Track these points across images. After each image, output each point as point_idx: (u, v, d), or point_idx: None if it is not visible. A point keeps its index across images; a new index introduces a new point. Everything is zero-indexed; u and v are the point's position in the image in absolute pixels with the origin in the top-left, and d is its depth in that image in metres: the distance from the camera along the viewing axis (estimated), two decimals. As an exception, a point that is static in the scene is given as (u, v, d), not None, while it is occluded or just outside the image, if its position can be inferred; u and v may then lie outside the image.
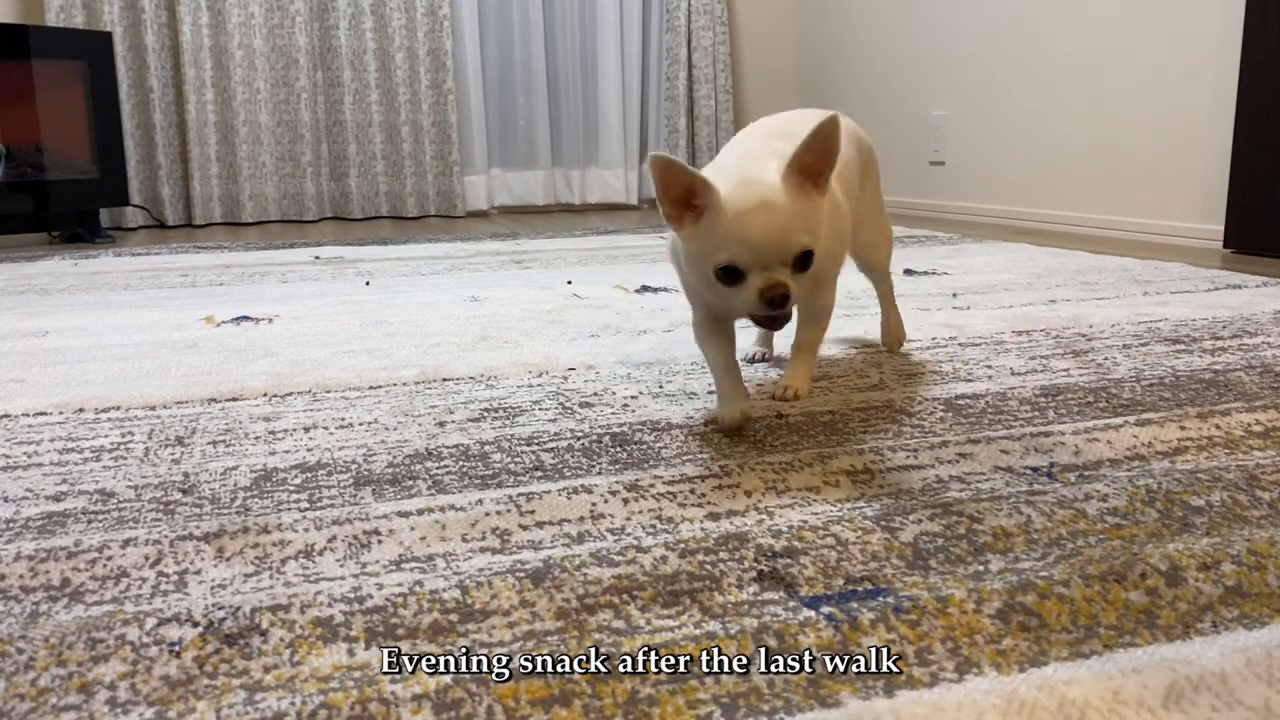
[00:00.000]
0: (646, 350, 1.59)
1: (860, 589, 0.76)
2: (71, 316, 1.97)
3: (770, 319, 1.06)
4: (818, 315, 1.27)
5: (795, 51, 4.79)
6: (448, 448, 1.12)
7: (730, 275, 1.03)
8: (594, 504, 0.94)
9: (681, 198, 1.02)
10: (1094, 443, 1.10)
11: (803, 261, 1.03)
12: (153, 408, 1.30)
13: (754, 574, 0.79)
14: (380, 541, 0.86)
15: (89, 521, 0.92)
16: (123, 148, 3.51)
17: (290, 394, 1.35)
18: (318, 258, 2.85)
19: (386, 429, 1.19)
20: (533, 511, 0.92)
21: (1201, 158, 2.90)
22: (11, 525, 0.91)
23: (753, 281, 1.02)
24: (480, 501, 0.95)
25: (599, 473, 1.03)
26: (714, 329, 1.19)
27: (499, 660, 0.67)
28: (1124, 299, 1.99)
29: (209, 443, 1.15)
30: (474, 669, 0.66)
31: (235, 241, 3.33)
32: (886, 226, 1.52)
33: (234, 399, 1.33)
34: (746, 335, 1.52)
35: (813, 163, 1.03)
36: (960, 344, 1.61)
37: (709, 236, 1.03)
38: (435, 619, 0.73)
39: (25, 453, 1.12)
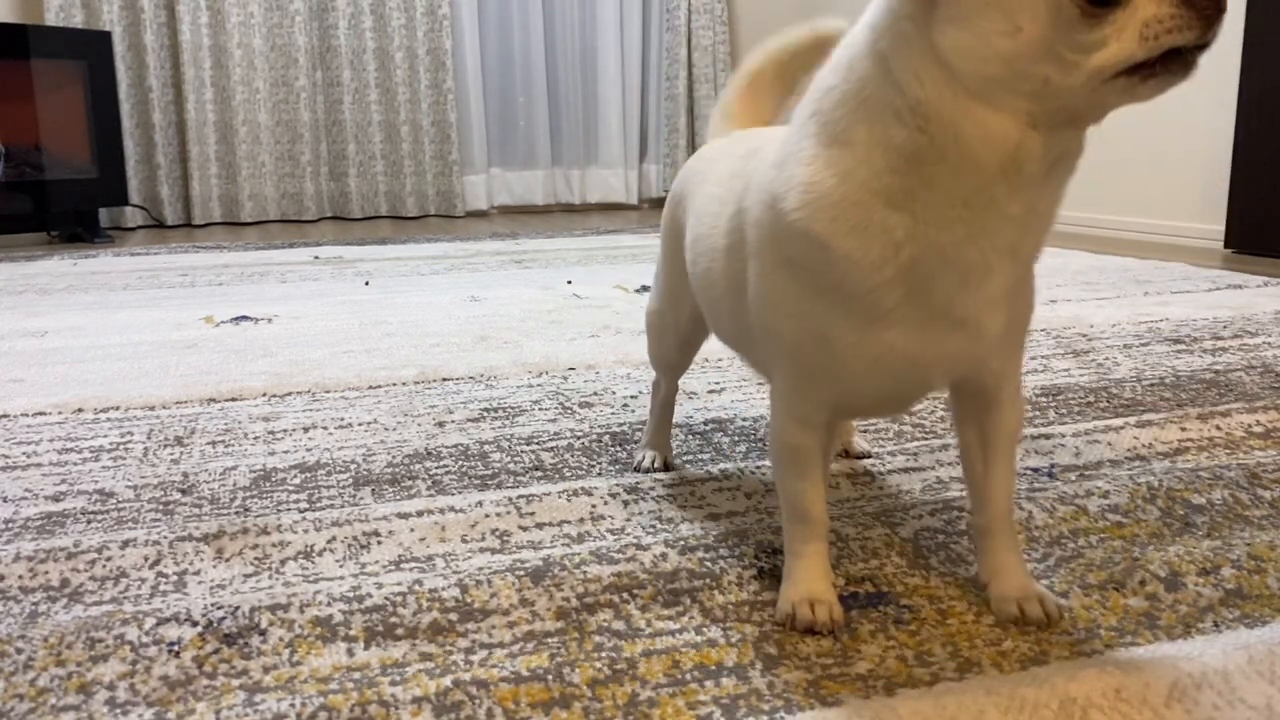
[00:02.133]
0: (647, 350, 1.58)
1: (862, 590, 0.76)
2: (70, 316, 1.96)
3: (1182, 63, 0.59)
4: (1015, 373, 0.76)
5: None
6: (447, 448, 1.11)
7: None
8: (594, 505, 0.94)
9: None
10: (1094, 443, 1.10)
11: None
12: (152, 408, 1.30)
13: (754, 571, 0.79)
14: (380, 542, 0.86)
15: (88, 522, 0.92)
16: (122, 148, 3.51)
17: (289, 394, 1.35)
18: (317, 257, 2.85)
19: (386, 429, 1.19)
20: (532, 513, 0.92)
21: (1202, 158, 2.89)
22: (11, 525, 0.91)
23: None
24: (480, 503, 0.95)
25: (599, 474, 1.02)
26: (816, 443, 0.75)
27: (499, 661, 0.67)
28: (1125, 299, 1.99)
29: (208, 443, 1.15)
30: (474, 670, 0.66)
31: (234, 241, 3.33)
32: None
33: (233, 399, 1.33)
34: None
35: None
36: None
37: None
38: (435, 618, 0.72)
39: (24, 453, 1.12)
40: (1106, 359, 1.49)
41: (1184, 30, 0.58)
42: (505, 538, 0.87)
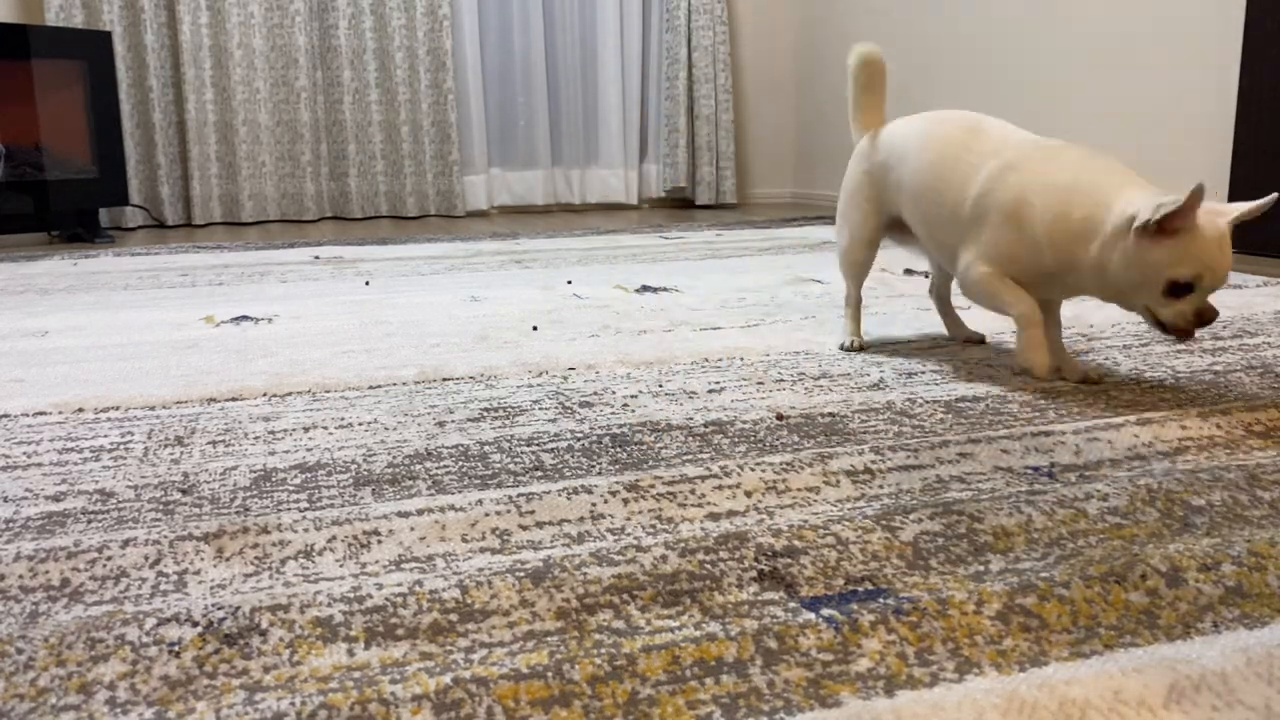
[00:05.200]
0: (646, 350, 1.59)
1: (860, 589, 0.76)
2: (71, 316, 1.97)
3: (1186, 332, 1.22)
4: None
5: (795, 51, 4.79)
6: (447, 448, 1.12)
7: (1179, 290, 1.19)
8: (594, 504, 0.94)
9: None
10: (1094, 442, 1.10)
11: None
12: (152, 408, 1.30)
13: (754, 573, 0.79)
14: (380, 542, 0.86)
15: (89, 521, 0.92)
16: (122, 147, 3.51)
17: (290, 394, 1.35)
18: (317, 257, 2.85)
19: (386, 429, 1.19)
20: (532, 512, 0.92)
21: (1201, 158, 2.90)
22: (11, 525, 0.91)
23: (1194, 300, 1.20)
24: (480, 502, 0.95)
25: (599, 473, 1.03)
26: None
27: (499, 660, 0.67)
28: (1124, 299, 1.99)
29: (208, 443, 1.15)
30: (474, 668, 0.66)
31: (235, 241, 3.33)
32: None
33: (233, 399, 1.33)
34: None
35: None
36: (960, 344, 1.61)
37: (1177, 253, 1.17)
38: (435, 619, 0.73)
39: (25, 453, 1.12)
40: (1106, 359, 1.49)
41: (1188, 326, 1.22)
42: (505, 537, 0.87)
